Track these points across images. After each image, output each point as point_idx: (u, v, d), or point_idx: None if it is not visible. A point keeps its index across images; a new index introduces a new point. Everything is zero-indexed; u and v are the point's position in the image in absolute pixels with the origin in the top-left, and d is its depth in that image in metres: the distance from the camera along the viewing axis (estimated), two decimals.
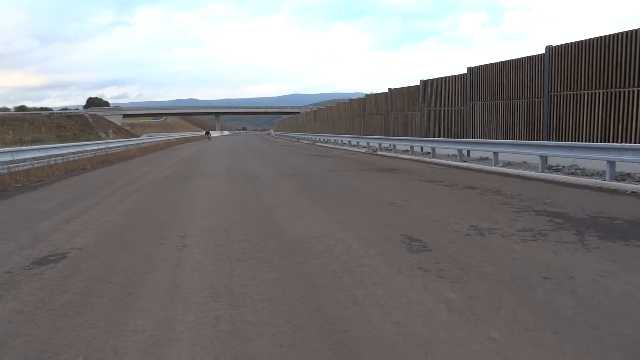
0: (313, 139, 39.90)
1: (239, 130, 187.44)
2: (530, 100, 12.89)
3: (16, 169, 12.40)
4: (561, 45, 11.72)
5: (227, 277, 3.86)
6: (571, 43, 11.39)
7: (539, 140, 12.30)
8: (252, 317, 3.04)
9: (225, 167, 15.83)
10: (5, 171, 11.66)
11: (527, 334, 2.67)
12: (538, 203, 6.74)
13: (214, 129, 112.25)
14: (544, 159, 10.86)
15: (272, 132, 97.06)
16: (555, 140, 11.76)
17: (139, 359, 2.54)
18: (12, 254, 4.84)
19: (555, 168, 11.02)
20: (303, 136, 46.10)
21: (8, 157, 12.68)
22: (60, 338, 2.82)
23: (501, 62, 14.17)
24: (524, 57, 13.12)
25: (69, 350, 2.66)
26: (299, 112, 68.25)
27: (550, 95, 12.09)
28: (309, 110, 53.64)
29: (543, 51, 12.27)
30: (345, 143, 29.26)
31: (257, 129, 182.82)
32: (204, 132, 48.36)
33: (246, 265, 4.17)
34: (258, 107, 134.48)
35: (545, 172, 10.50)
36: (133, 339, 2.79)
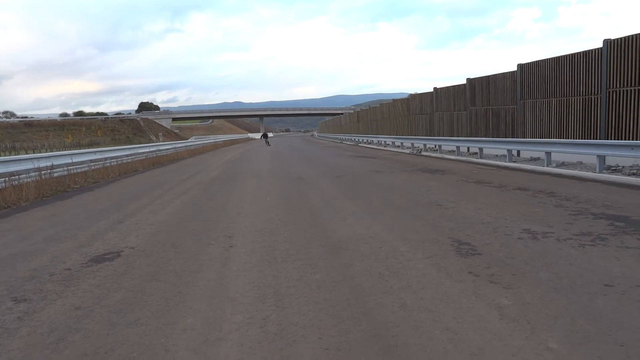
0: (356, 140, 39.78)
1: (283, 131, 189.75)
2: (586, 97, 12.25)
3: (75, 170, 13.10)
4: (621, 38, 11.07)
5: (273, 278, 3.88)
6: (632, 36, 10.74)
7: (596, 139, 11.66)
8: (299, 318, 3.03)
9: (269, 168, 16.04)
10: (65, 173, 12.34)
11: (589, 345, 2.51)
12: (596, 205, 6.37)
13: (258, 131, 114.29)
14: (602, 158, 10.28)
15: (316, 133, 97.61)
16: (614, 139, 11.11)
17: (189, 358, 2.59)
18: (72, 251, 5.09)
19: (614, 169, 10.41)
20: (346, 137, 46.06)
21: (67, 160, 13.42)
22: (115, 334, 2.92)
23: (554, 57, 13.58)
24: (580, 52, 12.51)
25: (123, 347, 2.75)
26: (342, 114, 68.28)
27: (609, 91, 11.44)
28: (352, 112, 53.52)
29: (600, 45, 11.63)
30: (389, 144, 28.97)
31: (300, 131, 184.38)
32: (261, 135, 42.05)
33: (292, 267, 4.18)
34: (301, 109, 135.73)
35: (603, 173, 9.94)
36: (183, 337, 2.85)
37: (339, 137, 51.11)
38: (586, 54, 12.23)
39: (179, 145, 32.20)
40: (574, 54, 12.73)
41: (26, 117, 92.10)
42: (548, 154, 12.12)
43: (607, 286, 3.34)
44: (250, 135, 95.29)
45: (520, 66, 15.19)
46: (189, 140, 51.92)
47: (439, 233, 5.18)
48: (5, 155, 29.34)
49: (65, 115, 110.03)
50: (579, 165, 11.65)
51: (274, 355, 2.57)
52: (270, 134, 67.60)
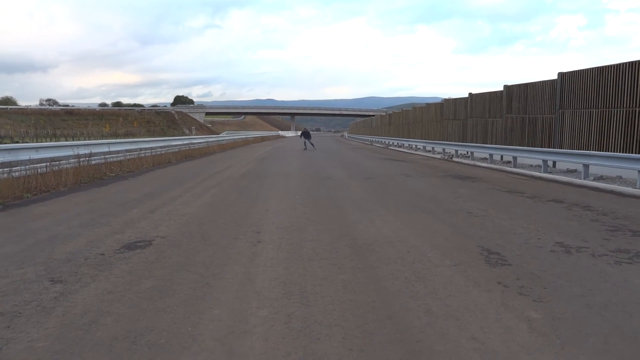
0: (387, 142, 39.49)
1: (313, 131, 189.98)
2: (630, 109, 11.79)
3: (111, 159, 13.51)
4: None
5: (299, 276, 3.91)
6: None
7: (638, 153, 11.20)
8: (323, 317, 3.05)
9: (298, 167, 16.13)
10: (102, 161, 12.74)
11: None
12: (636, 222, 6.13)
13: (289, 129, 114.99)
14: None
15: (346, 134, 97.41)
16: None
17: (214, 348, 2.64)
18: (106, 237, 5.27)
19: None
20: (376, 139, 45.78)
21: (105, 149, 13.87)
22: (145, 320, 3.01)
23: (598, 67, 13.11)
24: (625, 63, 12.04)
25: (152, 333, 2.83)
26: (373, 115, 67.89)
27: None
28: (384, 114, 53.16)
29: None
30: (419, 148, 28.63)
31: (330, 130, 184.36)
32: (300, 133, 33.99)
33: (318, 265, 4.20)
34: (333, 109, 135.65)
35: None
36: (209, 327, 2.91)
37: (369, 138, 50.85)
38: (632, 64, 11.77)
39: (211, 139, 32.70)
40: (619, 64, 12.27)
41: (67, 105, 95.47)
42: (586, 166, 11.72)
43: None
44: (281, 132, 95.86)
45: (561, 75, 14.75)
46: (220, 135, 52.66)
47: (468, 241, 5.09)
48: (46, 142, 30.60)
49: (104, 105, 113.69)
50: (618, 179, 11.22)
51: (298, 351, 2.59)
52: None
